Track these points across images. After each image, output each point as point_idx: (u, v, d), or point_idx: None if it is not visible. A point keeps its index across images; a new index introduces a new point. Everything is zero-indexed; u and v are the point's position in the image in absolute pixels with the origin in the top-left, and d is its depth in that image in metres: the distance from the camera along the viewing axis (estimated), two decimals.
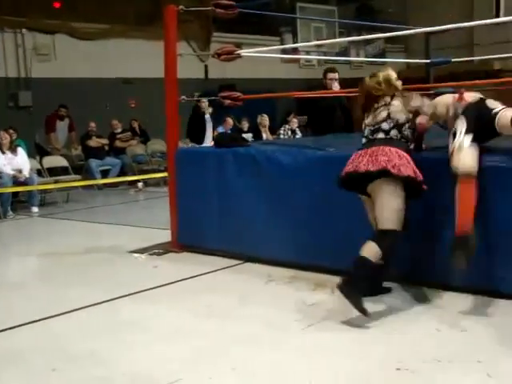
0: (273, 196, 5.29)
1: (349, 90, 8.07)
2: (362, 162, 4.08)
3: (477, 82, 5.22)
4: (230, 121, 11.47)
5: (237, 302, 4.43)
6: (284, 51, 14.48)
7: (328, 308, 4.15)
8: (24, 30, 12.85)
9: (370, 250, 3.96)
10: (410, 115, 4.25)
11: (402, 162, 4.00)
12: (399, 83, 4.36)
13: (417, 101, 4.31)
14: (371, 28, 12.96)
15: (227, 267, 5.39)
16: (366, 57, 18.38)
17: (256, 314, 4.15)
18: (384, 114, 4.22)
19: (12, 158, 9.10)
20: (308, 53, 15.35)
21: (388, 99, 4.27)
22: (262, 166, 5.37)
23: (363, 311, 3.82)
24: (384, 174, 3.98)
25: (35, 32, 13.00)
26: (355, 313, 3.82)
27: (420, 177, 4.03)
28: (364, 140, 4.30)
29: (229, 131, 11.40)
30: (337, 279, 4.00)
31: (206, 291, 4.73)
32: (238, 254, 5.53)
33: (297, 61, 17.33)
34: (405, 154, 4.06)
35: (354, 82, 5.13)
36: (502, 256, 4.16)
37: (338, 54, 17.27)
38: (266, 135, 12.05)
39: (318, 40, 15.18)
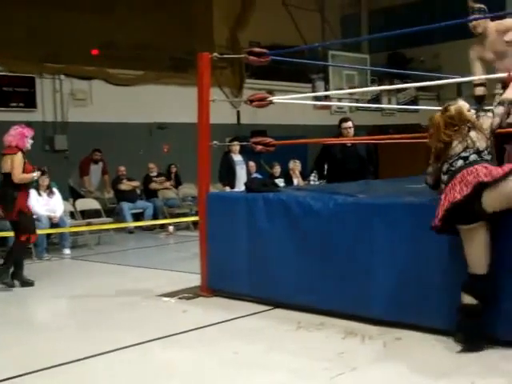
0: (304, 242, 5.25)
1: (379, 136, 8.14)
2: (454, 192, 4.02)
3: None
4: (251, 164, 11.46)
5: (264, 349, 4.37)
6: (316, 98, 14.62)
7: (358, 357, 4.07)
8: (62, 76, 13.21)
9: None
10: (489, 141, 4.24)
11: (490, 169, 4.01)
12: (471, 114, 4.32)
13: (487, 121, 4.28)
14: (403, 76, 13.02)
15: (256, 313, 5.34)
16: (398, 104, 18.40)
17: (283, 361, 4.09)
18: (460, 147, 4.18)
19: (48, 200, 9.26)
20: (340, 100, 15.42)
21: (463, 134, 4.21)
22: (292, 211, 5.35)
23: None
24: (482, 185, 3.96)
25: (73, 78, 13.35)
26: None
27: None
28: (445, 178, 4.21)
29: (256, 175, 11.41)
30: (367, 327, 3.90)
31: (234, 337, 4.68)
32: (267, 300, 5.48)
33: (328, 107, 17.45)
34: (489, 165, 4.07)
35: (385, 128, 5.15)
36: None
37: (369, 101, 17.33)
38: (297, 181, 12.05)
39: (349, 87, 15.28)
